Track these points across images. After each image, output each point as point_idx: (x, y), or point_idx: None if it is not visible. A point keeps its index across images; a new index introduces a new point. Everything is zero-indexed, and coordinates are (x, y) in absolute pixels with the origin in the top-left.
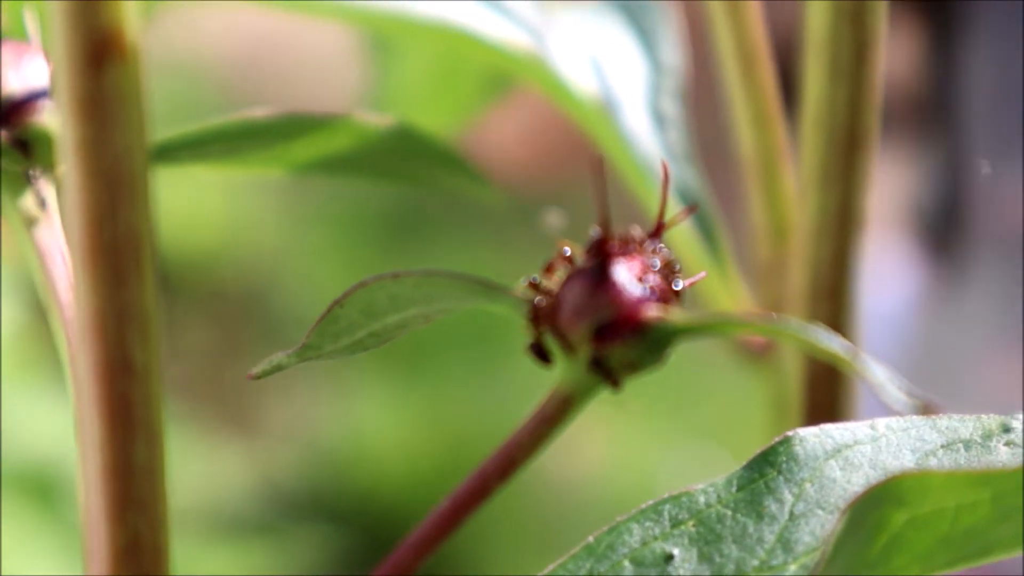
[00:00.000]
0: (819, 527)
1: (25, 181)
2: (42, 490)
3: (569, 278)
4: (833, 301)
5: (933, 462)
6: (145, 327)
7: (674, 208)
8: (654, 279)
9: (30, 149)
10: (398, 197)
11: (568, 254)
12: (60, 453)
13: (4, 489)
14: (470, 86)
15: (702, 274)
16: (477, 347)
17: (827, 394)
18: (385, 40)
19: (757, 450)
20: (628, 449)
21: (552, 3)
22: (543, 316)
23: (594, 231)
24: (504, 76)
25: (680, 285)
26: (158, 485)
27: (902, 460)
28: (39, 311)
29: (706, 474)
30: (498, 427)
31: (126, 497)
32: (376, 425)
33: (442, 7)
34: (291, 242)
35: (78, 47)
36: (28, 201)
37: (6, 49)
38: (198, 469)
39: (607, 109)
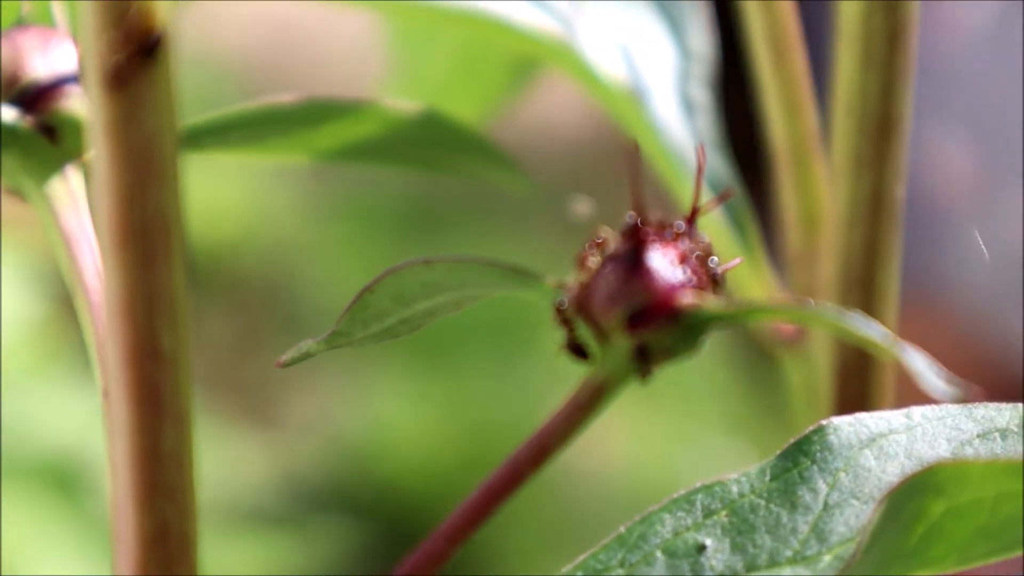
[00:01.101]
0: (854, 517)
1: (52, 166)
2: (62, 481)
3: (603, 264)
4: (865, 289)
5: (969, 451)
6: (174, 312)
7: (705, 196)
8: (689, 265)
9: (57, 134)
10: (419, 186)
11: (602, 240)
12: (79, 444)
13: (24, 480)
14: (497, 74)
15: (736, 260)
16: (497, 340)
17: (858, 385)
18: (411, 27)
19: (791, 439)
20: (651, 443)
21: None
22: (576, 302)
23: (628, 217)
24: (532, 64)
25: (716, 272)
26: (187, 472)
27: (938, 449)
28: (59, 302)
29: (728, 467)
30: (518, 420)
31: (155, 484)
32: (396, 418)
33: None
34: (312, 233)
35: (110, 29)
36: (55, 186)
37: (32, 35)
38: (218, 460)
39: (636, 96)
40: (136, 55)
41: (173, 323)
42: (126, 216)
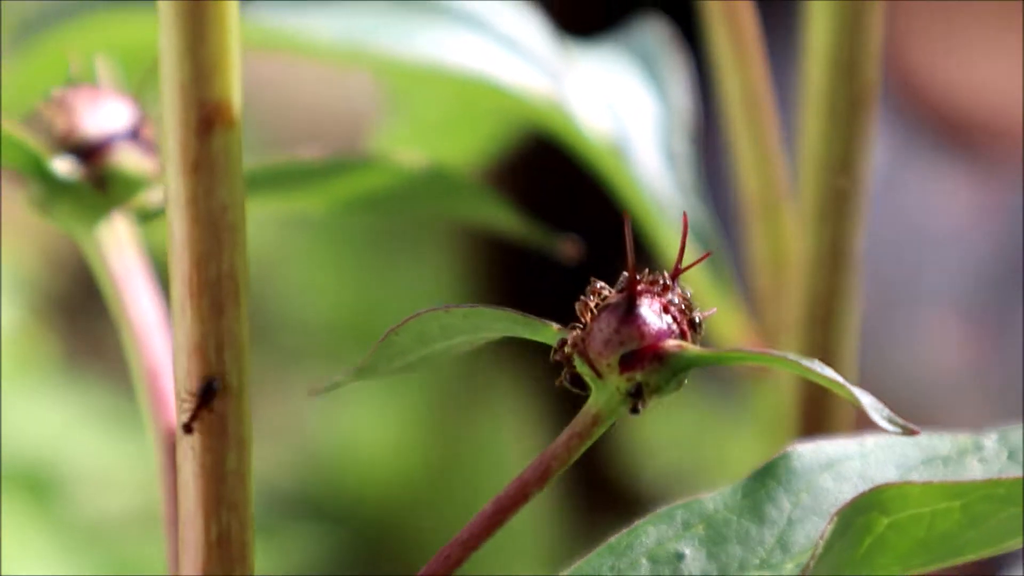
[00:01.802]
0: (813, 531)
1: (100, 213)
2: (37, 490)
3: (599, 312)
4: (827, 328)
5: (915, 475)
6: (240, 353)
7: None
8: (674, 315)
9: (106, 184)
10: None
11: (598, 291)
12: (55, 454)
13: (1, 489)
14: (489, 121)
15: (713, 310)
16: (465, 355)
17: (819, 411)
18: (405, 80)
19: (759, 463)
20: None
21: (569, 47)
22: (575, 345)
23: (624, 274)
24: (521, 117)
25: (697, 320)
26: (246, 488)
27: (887, 473)
28: (36, 312)
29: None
30: (484, 432)
31: (219, 498)
32: (366, 429)
33: (464, 52)
34: (279, 246)
35: (190, 116)
36: (102, 231)
37: (82, 94)
38: None
39: (620, 150)
40: (212, 139)
41: (239, 363)
42: (201, 272)
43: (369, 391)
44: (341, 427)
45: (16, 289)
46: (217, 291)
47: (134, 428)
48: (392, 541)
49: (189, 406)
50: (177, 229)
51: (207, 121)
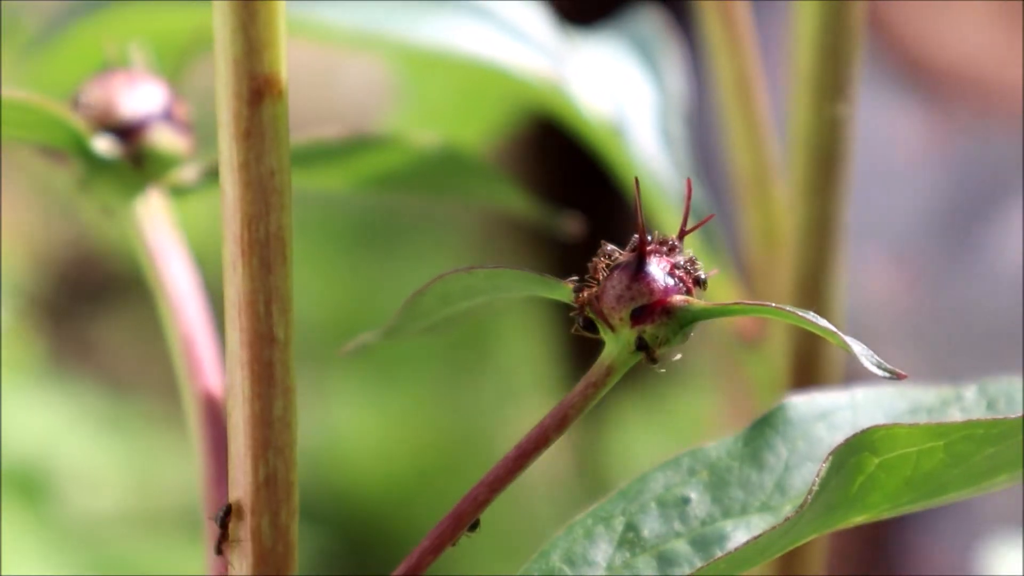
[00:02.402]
0: (809, 475)
1: (137, 189)
2: (31, 489)
3: (611, 271)
4: (816, 297)
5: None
6: (286, 307)
7: (679, 217)
8: (680, 273)
9: (142, 162)
10: (370, 206)
11: (609, 252)
12: (49, 452)
13: None
14: (496, 103)
15: (714, 271)
16: (451, 354)
17: (810, 375)
18: (414, 65)
19: (759, 414)
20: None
21: (570, 34)
22: (590, 301)
23: (634, 236)
24: (527, 101)
25: (702, 277)
26: (292, 433)
27: (876, 422)
28: (24, 314)
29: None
30: (470, 430)
31: (267, 441)
32: (353, 429)
33: (471, 38)
34: None
35: (242, 88)
36: (138, 206)
37: (120, 78)
38: (176, 466)
39: (620, 131)
40: (262, 109)
41: (285, 316)
42: (252, 233)
43: (357, 393)
44: (330, 427)
45: (4, 292)
46: (266, 250)
47: (123, 429)
48: (380, 540)
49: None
50: (229, 192)
51: (258, 92)
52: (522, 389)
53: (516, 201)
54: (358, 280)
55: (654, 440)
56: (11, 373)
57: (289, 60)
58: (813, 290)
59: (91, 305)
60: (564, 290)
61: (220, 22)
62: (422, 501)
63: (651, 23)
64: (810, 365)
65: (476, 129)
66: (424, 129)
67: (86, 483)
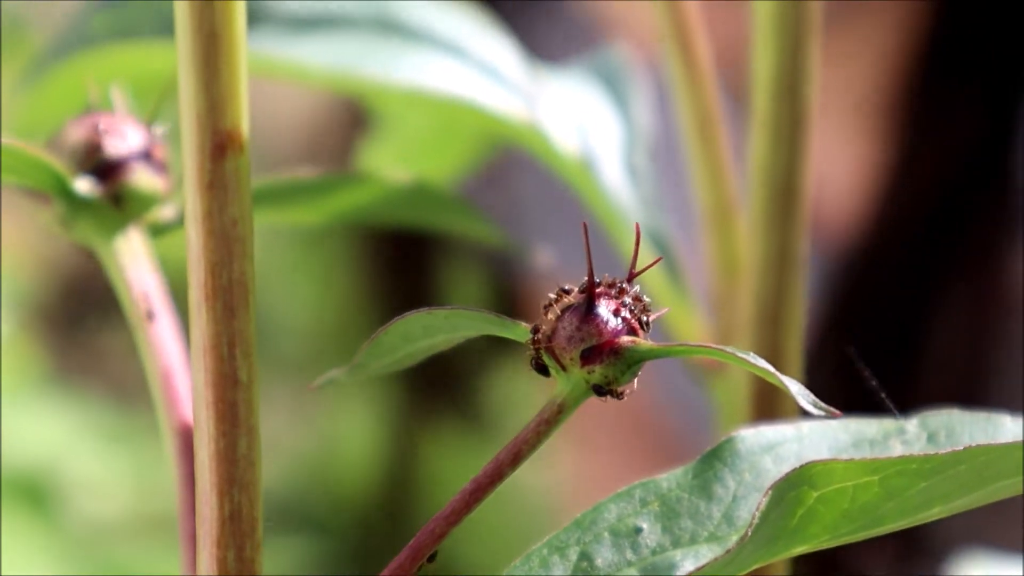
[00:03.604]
0: (755, 506)
1: (117, 227)
2: (37, 497)
3: (562, 313)
4: (776, 327)
5: (845, 456)
6: (249, 350)
7: (645, 248)
8: (628, 314)
9: (122, 201)
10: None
11: (561, 293)
12: (52, 460)
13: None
14: (469, 138)
15: (665, 310)
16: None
17: (769, 403)
18: (389, 101)
19: (708, 447)
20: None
21: (540, 71)
22: (543, 341)
23: (583, 279)
24: (498, 136)
25: (648, 318)
26: (256, 470)
27: (821, 454)
28: (29, 324)
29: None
30: (463, 443)
31: (232, 478)
32: (352, 439)
33: (445, 77)
34: (264, 258)
35: (205, 142)
36: (119, 244)
37: (100, 119)
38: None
39: (588, 165)
40: (225, 162)
41: (248, 359)
42: (215, 280)
43: (356, 404)
44: (328, 436)
45: (10, 302)
46: (229, 295)
47: (129, 438)
48: (376, 547)
49: None
50: (194, 240)
51: (220, 147)
52: (508, 406)
53: (485, 233)
54: (356, 287)
55: None
56: (18, 382)
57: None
58: (773, 319)
59: (97, 315)
60: (519, 330)
61: (185, 80)
62: (421, 507)
63: (618, 57)
64: (770, 392)
65: (450, 161)
66: (399, 163)
67: (92, 491)
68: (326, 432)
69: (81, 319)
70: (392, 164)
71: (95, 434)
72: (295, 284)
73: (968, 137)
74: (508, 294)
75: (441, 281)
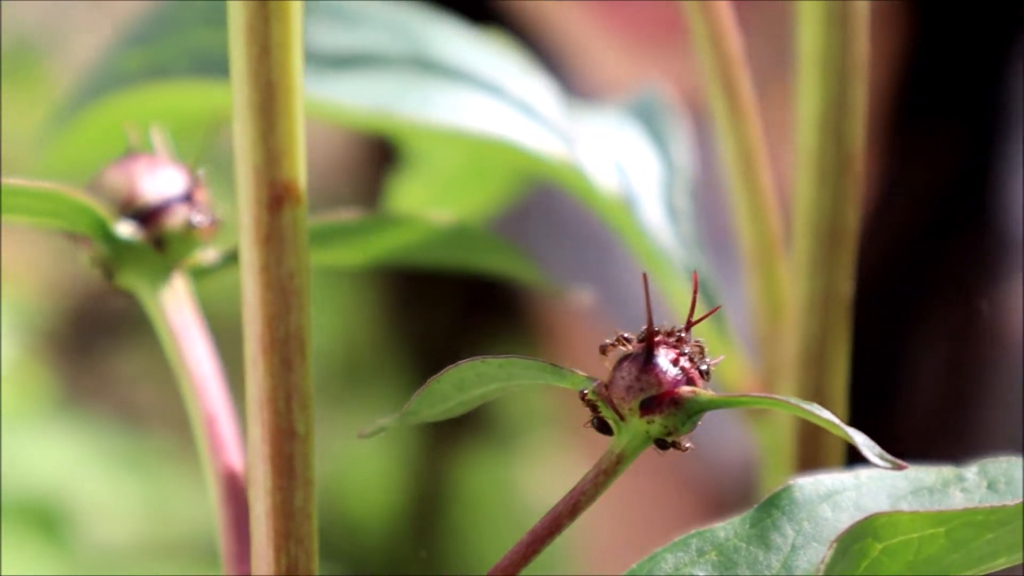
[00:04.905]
0: (815, 556)
1: (160, 272)
2: (48, 522)
3: (620, 362)
4: (820, 368)
5: (904, 504)
6: (306, 403)
7: (683, 287)
8: (688, 363)
9: (164, 246)
10: None
11: (620, 341)
12: (61, 485)
13: (9, 521)
14: (504, 173)
15: (721, 357)
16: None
17: (815, 444)
18: (424, 138)
19: (765, 495)
20: None
21: (579, 109)
22: (600, 391)
23: (643, 327)
24: (538, 175)
25: (707, 368)
26: (311, 523)
27: (879, 503)
28: (37, 349)
29: None
30: (481, 461)
31: (288, 532)
32: (368, 461)
33: (481, 116)
34: None
35: (262, 194)
36: (162, 288)
37: (141, 163)
38: (188, 496)
39: (628, 205)
40: (282, 214)
41: (305, 411)
42: (272, 331)
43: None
44: (340, 460)
45: (18, 326)
46: (286, 348)
47: (140, 462)
48: (386, 572)
49: None
50: (250, 293)
51: (277, 199)
52: (518, 431)
53: (527, 273)
54: (376, 315)
55: None
56: (27, 407)
57: None
58: (818, 361)
59: (107, 339)
60: (576, 379)
61: (241, 130)
62: (436, 534)
63: (657, 95)
64: (814, 437)
65: (482, 199)
66: (429, 198)
67: (102, 516)
68: (341, 454)
69: (90, 344)
70: (423, 202)
71: (105, 459)
72: (314, 311)
73: (947, 172)
74: (524, 319)
75: (461, 308)
